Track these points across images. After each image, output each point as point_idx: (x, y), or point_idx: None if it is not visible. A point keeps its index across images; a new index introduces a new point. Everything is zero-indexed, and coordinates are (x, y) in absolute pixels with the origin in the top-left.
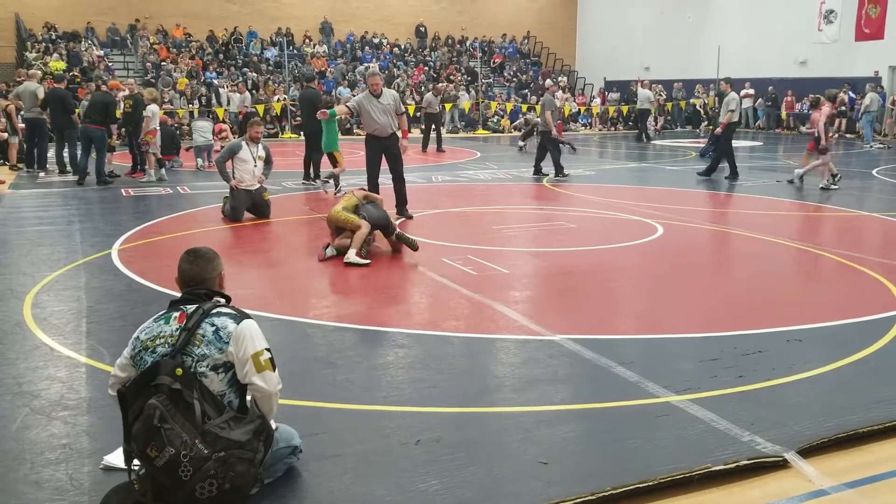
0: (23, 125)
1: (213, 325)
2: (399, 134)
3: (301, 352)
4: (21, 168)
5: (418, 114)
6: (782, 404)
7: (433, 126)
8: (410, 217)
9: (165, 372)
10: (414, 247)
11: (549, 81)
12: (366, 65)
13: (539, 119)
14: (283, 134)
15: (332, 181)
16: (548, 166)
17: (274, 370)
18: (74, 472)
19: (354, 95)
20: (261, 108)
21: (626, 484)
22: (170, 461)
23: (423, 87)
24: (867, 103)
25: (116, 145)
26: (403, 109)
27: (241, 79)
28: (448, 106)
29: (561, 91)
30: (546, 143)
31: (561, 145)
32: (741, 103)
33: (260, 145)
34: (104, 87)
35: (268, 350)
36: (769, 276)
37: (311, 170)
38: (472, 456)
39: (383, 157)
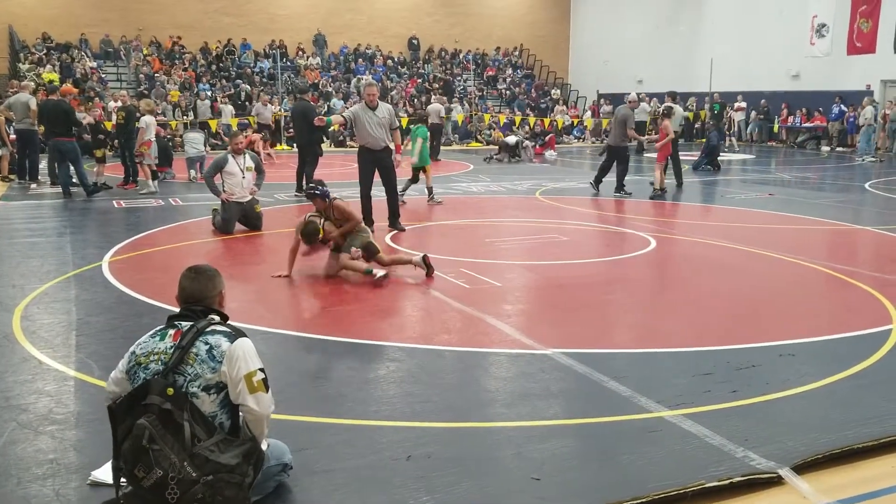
0: (14, 136)
1: (206, 343)
2: (392, 147)
3: (292, 365)
4: (13, 179)
5: (411, 126)
6: (776, 419)
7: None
8: (403, 230)
9: (156, 391)
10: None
11: (632, 95)
12: (358, 76)
13: (611, 133)
14: (276, 146)
15: (433, 195)
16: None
17: (267, 391)
18: (61, 488)
19: (348, 107)
20: (253, 120)
21: (619, 500)
22: (157, 483)
23: (415, 100)
24: (868, 116)
25: (108, 156)
26: (398, 124)
27: (270, 93)
28: None
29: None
30: (616, 157)
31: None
32: (733, 116)
33: (247, 155)
34: (55, 95)
35: (262, 370)
36: (762, 290)
37: (304, 182)
38: (464, 471)
39: (376, 171)
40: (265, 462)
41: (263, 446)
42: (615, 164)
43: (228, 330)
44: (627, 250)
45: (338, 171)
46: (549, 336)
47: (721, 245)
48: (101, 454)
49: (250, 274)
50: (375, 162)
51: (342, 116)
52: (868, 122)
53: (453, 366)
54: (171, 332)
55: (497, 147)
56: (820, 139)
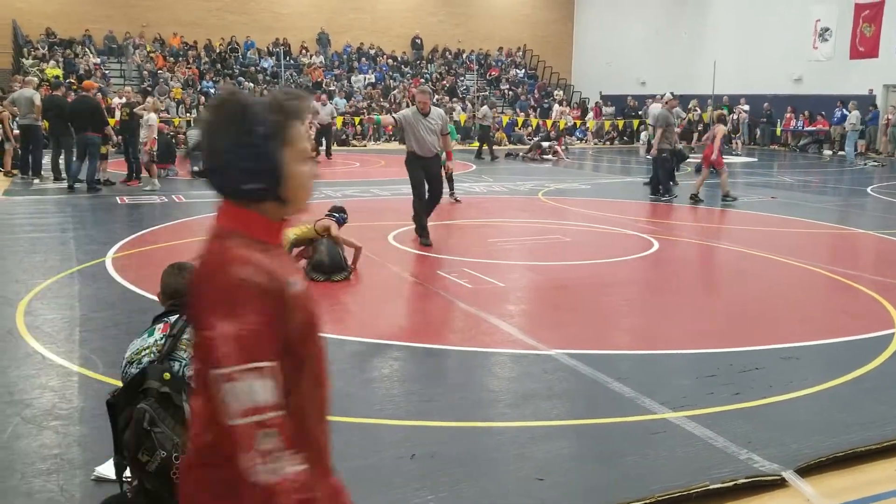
0: (17, 131)
1: None
2: (444, 154)
3: None
4: (16, 175)
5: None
6: (780, 422)
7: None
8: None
9: (153, 377)
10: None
11: (668, 94)
12: (363, 75)
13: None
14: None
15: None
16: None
17: None
18: (66, 483)
19: (349, 107)
20: None
21: (623, 501)
22: (162, 464)
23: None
24: (854, 121)
25: (112, 153)
26: (448, 130)
27: (321, 91)
28: None
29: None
30: (655, 160)
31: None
32: (741, 119)
33: None
34: (59, 91)
35: None
36: (765, 293)
37: None
38: (467, 472)
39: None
40: None
41: None
42: (653, 167)
43: None
44: (630, 252)
45: (340, 170)
46: (553, 337)
47: (724, 247)
48: (105, 449)
49: None
50: (424, 168)
51: (392, 117)
52: (853, 126)
53: (456, 365)
54: (160, 325)
55: (528, 147)
56: (822, 143)
